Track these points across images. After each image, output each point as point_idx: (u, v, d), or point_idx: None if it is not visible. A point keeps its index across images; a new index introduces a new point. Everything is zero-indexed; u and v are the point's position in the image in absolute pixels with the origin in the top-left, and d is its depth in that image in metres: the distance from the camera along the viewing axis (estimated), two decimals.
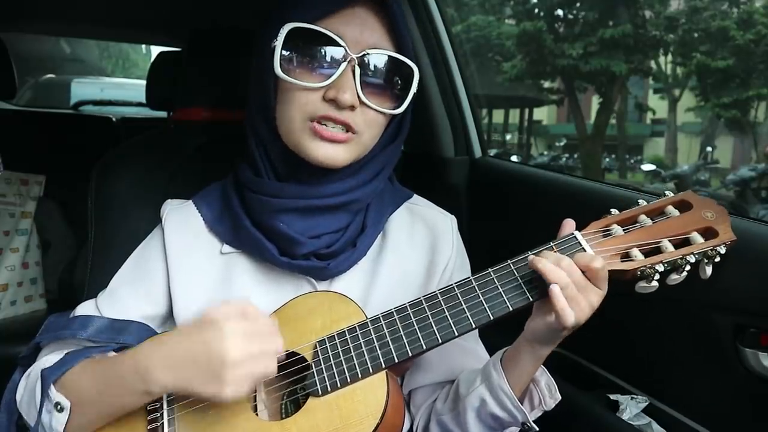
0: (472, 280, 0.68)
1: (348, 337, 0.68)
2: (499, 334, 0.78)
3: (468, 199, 1.45)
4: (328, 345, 0.68)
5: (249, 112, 0.79)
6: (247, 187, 0.78)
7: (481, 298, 0.66)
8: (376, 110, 0.72)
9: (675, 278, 0.67)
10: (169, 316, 0.80)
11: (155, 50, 2.25)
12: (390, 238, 0.84)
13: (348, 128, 0.71)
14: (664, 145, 16.80)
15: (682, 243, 0.67)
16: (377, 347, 0.67)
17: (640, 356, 1.07)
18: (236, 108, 1.12)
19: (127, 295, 0.80)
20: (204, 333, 0.63)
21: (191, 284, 0.78)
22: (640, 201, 0.71)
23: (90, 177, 1.05)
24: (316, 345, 0.69)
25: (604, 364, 1.14)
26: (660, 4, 12.86)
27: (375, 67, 0.71)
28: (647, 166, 13.65)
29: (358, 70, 0.69)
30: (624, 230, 0.68)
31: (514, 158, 13.36)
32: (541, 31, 13.00)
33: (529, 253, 0.67)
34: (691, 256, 0.66)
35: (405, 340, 0.67)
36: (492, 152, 2.19)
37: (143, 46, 9.06)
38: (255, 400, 0.71)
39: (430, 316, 0.67)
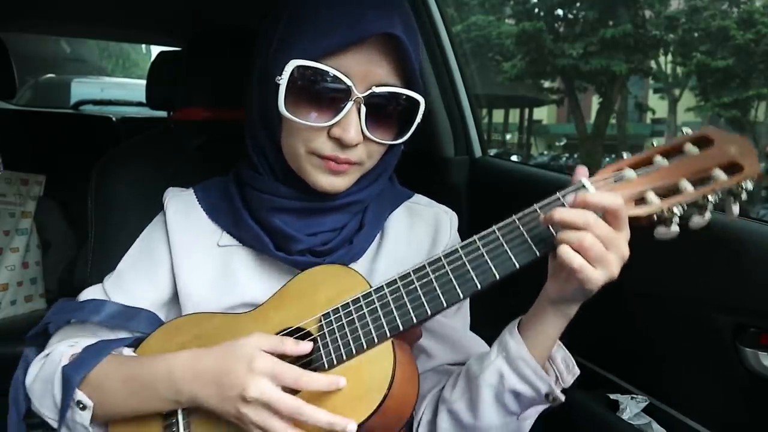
0: (476, 240, 0.64)
1: (352, 308, 0.67)
2: (490, 327, 0.77)
3: (468, 199, 1.45)
4: (332, 318, 0.68)
5: (250, 120, 0.79)
6: (247, 183, 0.79)
7: (486, 257, 0.63)
8: (379, 143, 0.73)
9: (698, 221, 0.61)
10: (172, 301, 0.81)
11: (155, 50, 2.26)
12: (388, 237, 0.84)
13: (351, 162, 0.72)
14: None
15: (702, 182, 0.61)
16: (381, 316, 0.65)
17: (640, 356, 1.07)
18: (236, 108, 1.12)
19: (133, 280, 0.81)
20: (234, 358, 0.63)
21: (193, 273, 0.80)
22: (654, 142, 0.66)
23: (90, 177, 1.05)
24: (321, 319, 0.68)
25: (604, 364, 1.14)
26: (660, 4, 12.86)
27: (381, 103, 0.70)
28: None
29: (363, 109, 0.69)
30: (637, 173, 0.63)
31: (514, 158, 13.36)
32: (540, 31, 13.01)
33: (536, 206, 0.63)
34: (713, 194, 0.60)
35: (409, 307, 0.65)
36: (492, 152, 2.19)
37: (143, 46, 9.07)
38: None
39: (434, 280, 0.65)
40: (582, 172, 0.64)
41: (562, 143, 17.39)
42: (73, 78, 3.88)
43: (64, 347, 0.74)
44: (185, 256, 0.80)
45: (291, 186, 0.77)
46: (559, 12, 13.60)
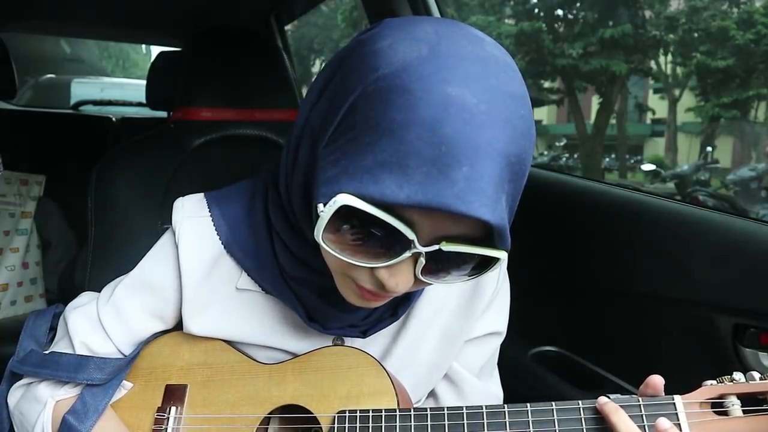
0: (529, 411, 0.59)
1: (371, 425, 0.62)
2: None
3: None
4: (347, 424, 0.63)
5: (288, 165, 0.63)
6: (279, 234, 0.66)
7: None
8: (433, 284, 0.58)
9: None
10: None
11: (155, 50, 2.26)
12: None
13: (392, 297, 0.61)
14: (664, 145, 16.81)
15: None
16: None
17: (640, 356, 1.07)
18: (236, 108, 1.12)
19: (134, 313, 0.73)
20: None
21: (204, 315, 0.72)
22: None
23: (90, 177, 1.05)
24: (335, 419, 0.64)
25: (604, 364, 1.14)
26: (660, 4, 12.87)
27: (447, 257, 0.54)
28: (647, 166, 13.63)
29: (422, 262, 0.53)
30: (743, 409, 0.53)
31: None
32: (540, 31, 13.02)
33: (609, 397, 0.58)
34: None
35: None
36: None
37: (143, 46, 9.07)
38: None
39: (466, 428, 0.60)
40: (659, 384, 0.59)
41: (562, 143, 17.37)
42: (72, 78, 3.89)
43: (47, 389, 0.70)
44: (198, 300, 0.71)
45: None
46: (559, 12, 13.61)
